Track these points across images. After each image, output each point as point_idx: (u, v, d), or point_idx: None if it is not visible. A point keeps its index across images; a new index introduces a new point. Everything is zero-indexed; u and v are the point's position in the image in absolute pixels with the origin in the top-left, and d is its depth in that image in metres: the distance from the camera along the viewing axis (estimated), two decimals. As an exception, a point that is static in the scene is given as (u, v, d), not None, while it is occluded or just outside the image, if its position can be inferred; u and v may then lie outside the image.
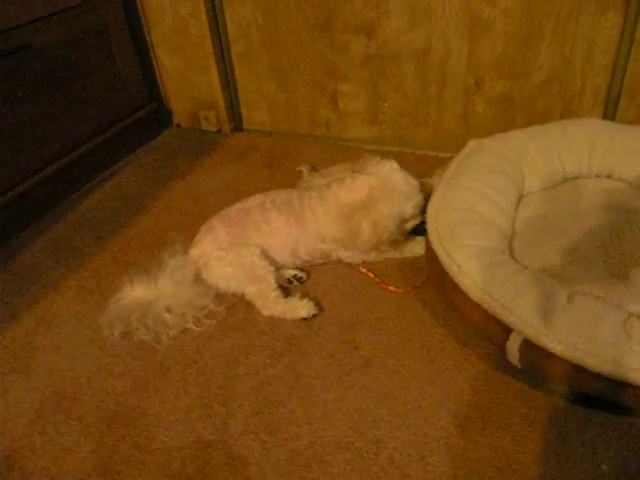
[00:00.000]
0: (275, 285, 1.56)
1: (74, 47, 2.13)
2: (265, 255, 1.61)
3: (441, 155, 2.27)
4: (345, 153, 2.37)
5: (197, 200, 2.13)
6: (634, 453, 1.13)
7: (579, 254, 1.43)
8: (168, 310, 1.54)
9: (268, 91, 2.47)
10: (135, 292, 1.58)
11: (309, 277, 1.67)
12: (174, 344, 1.51)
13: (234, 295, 1.62)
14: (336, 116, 2.40)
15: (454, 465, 1.14)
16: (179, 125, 2.72)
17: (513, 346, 1.18)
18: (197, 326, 1.53)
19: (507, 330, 1.18)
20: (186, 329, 1.54)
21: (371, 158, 1.75)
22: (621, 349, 1.08)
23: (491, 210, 1.44)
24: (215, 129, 2.61)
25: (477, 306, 1.23)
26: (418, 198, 1.58)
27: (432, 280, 1.48)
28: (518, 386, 1.28)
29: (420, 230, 1.60)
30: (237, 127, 2.63)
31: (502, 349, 1.22)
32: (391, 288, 1.58)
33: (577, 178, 1.72)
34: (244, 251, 1.59)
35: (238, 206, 1.71)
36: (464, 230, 1.35)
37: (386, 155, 2.28)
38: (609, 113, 1.98)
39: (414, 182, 1.60)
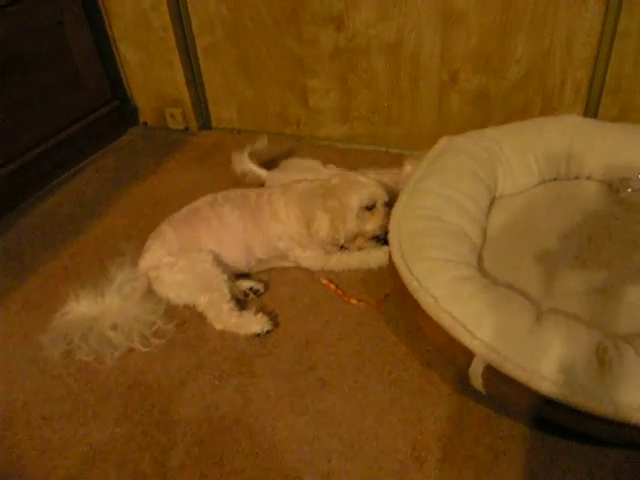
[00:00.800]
0: (229, 296, 1.44)
1: (24, 41, 2.00)
2: (218, 260, 1.50)
3: (416, 154, 2.14)
4: (317, 151, 2.25)
5: (156, 204, 2.01)
6: (607, 489, 1.03)
7: (554, 264, 1.32)
8: (114, 327, 1.43)
9: (236, 87, 2.34)
10: (80, 307, 1.47)
11: (267, 288, 1.56)
12: (118, 365, 1.39)
13: (186, 308, 1.51)
14: (307, 113, 2.28)
15: (410, 504, 1.04)
16: (146, 123, 2.60)
17: (476, 372, 1.07)
18: (144, 346, 1.42)
19: (470, 355, 1.07)
20: (132, 349, 1.42)
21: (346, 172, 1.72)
22: (592, 378, 0.97)
23: (459, 217, 1.32)
24: (182, 127, 2.49)
25: (438, 327, 1.12)
26: (379, 191, 1.51)
27: (394, 295, 1.36)
28: (484, 412, 1.17)
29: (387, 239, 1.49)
30: (205, 125, 2.51)
31: (465, 374, 1.11)
32: (353, 301, 1.47)
33: (555, 180, 1.61)
34: (196, 257, 1.48)
35: (188, 207, 1.61)
36: (428, 240, 1.24)
37: (360, 154, 2.21)
38: (591, 110, 1.87)
39: (379, 182, 1.52)
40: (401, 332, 1.37)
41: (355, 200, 1.47)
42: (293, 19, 2.06)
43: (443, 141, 1.54)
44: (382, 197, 1.50)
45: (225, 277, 1.46)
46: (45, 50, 2.09)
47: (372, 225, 1.51)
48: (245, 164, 1.91)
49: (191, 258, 1.48)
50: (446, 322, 1.09)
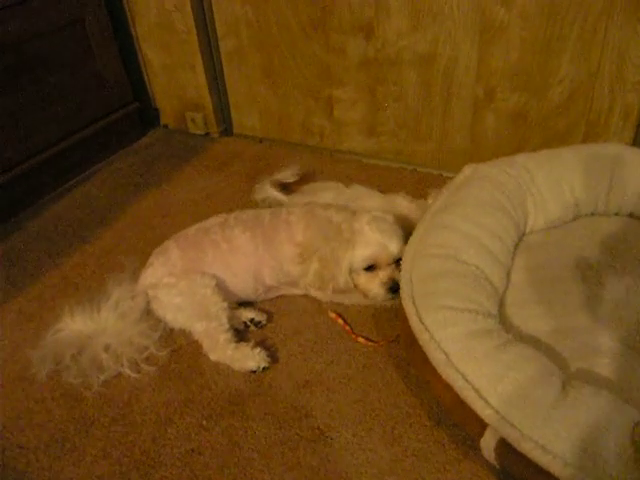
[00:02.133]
0: (227, 326, 1.34)
1: (44, 40, 1.93)
2: (222, 286, 1.40)
3: (445, 174, 2.01)
4: (339, 166, 2.13)
5: (166, 215, 1.92)
6: None
7: (586, 316, 1.17)
8: (106, 349, 1.35)
9: (259, 94, 2.24)
10: (74, 324, 1.40)
11: (270, 319, 1.44)
12: (104, 392, 1.31)
13: (183, 334, 1.41)
14: (331, 125, 2.15)
15: None
16: (166, 126, 2.52)
17: (488, 444, 0.93)
18: (133, 372, 1.33)
19: (482, 424, 0.93)
20: (121, 374, 1.33)
21: (371, 194, 1.64)
22: (624, 467, 0.82)
23: (480, 258, 1.18)
24: (202, 132, 2.40)
25: (449, 387, 0.98)
26: (384, 253, 1.33)
27: (403, 341, 1.23)
28: (496, 485, 1.03)
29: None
30: (227, 131, 2.41)
31: (477, 444, 0.97)
32: (361, 340, 1.34)
33: (592, 215, 1.45)
34: (198, 280, 1.38)
35: (198, 225, 1.51)
36: (443, 285, 1.10)
37: (385, 171, 2.08)
38: (641, 138, 1.69)
39: (386, 237, 1.34)
40: (411, 380, 1.24)
41: (347, 261, 1.32)
42: (320, 25, 1.94)
43: (467, 170, 1.40)
44: (387, 258, 1.33)
45: (225, 305, 1.35)
46: (64, 48, 2.02)
47: (372, 285, 1.35)
48: (265, 192, 1.81)
49: (192, 281, 1.38)
50: (457, 383, 0.95)
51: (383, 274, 1.33)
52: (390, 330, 1.37)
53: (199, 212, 1.87)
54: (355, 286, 1.36)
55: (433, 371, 1.02)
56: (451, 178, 1.45)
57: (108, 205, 2.01)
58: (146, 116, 2.46)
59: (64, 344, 1.36)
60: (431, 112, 1.93)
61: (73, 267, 1.72)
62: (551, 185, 1.39)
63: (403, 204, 1.57)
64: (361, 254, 1.32)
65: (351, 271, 1.34)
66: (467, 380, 0.94)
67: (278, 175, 1.88)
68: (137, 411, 1.25)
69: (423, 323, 1.04)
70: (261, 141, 2.35)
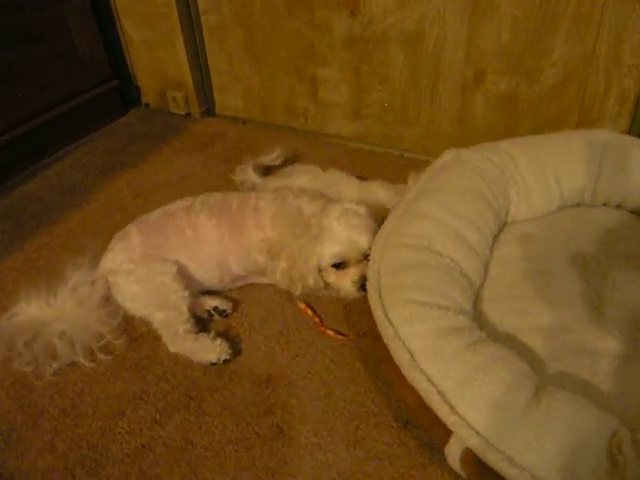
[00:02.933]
0: (187, 315, 1.26)
1: (14, 9, 1.84)
2: (184, 273, 1.32)
3: (432, 160, 1.91)
4: (325, 150, 2.04)
5: (139, 196, 1.84)
6: None
7: (568, 314, 1.09)
8: (61, 336, 1.27)
9: (242, 72, 2.14)
10: (30, 309, 1.32)
11: (236, 309, 1.36)
12: (57, 381, 1.23)
13: (143, 322, 1.33)
14: (316, 107, 2.06)
15: None
16: (147, 105, 2.43)
17: (454, 452, 0.86)
18: (88, 361, 1.25)
19: (448, 430, 0.85)
20: (76, 363, 1.25)
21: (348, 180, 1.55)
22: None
23: (456, 249, 1.10)
24: (183, 112, 2.31)
25: (412, 389, 0.90)
26: (353, 249, 1.23)
27: (369, 336, 1.15)
28: (462, 493, 0.96)
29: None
30: (209, 111, 2.32)
31: (441, 450, 0.90)
32: (330, 333, 1.26)
33: (578, 206, 1.36)
34: (157, 267, 1.30)
35: (162, 209, 1.42)
36: (412, 277, 1.02)
37: (371, 156, 1.99)
38: (638, 124, 1.60)
39: (356, 233, 1.23)
40: (379, 377, 1.16)
41: (315, 259, 1.23)
42: (305, 1, 1.84)
43: (447, 154, 1.31)
44: (357, 255, 1.23)
45: (186, 294, 1.27)
46: (36, 19, 1.93)
47: (343, 283, 1.25)
48: (246, 174, 1.73)
49: (151, 268, 1.29)
50: (421, 385, 0.88)
51: (354, 271, 1.23)
52: (362, 323, 1.29)
53: (173, 194, 1.76)
54: (325, 284, 1.28)
55: (397, 370, 0.94)
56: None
57: (80, 185, 1.93)
58: (127, 95, 2.38)
59: (18, 330, 1.28)
60: (418, 95, 1.84)
61: (38, 249, 1.64)
62: (536, 173, 1.30)
63: (380, 192, 1.49)
64: (330, 251, 1.22)
65: (320, 269, 1.25)
66: (432, 382, 0.87)
67: (261, 158, 1.80)
68: (89, 402, 1.18)
69: (388, 318, 0.96)
70: (244, 122, 2.26)
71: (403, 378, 0.92)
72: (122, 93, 2.32)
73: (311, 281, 1.23)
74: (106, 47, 2.20)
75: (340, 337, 1.25)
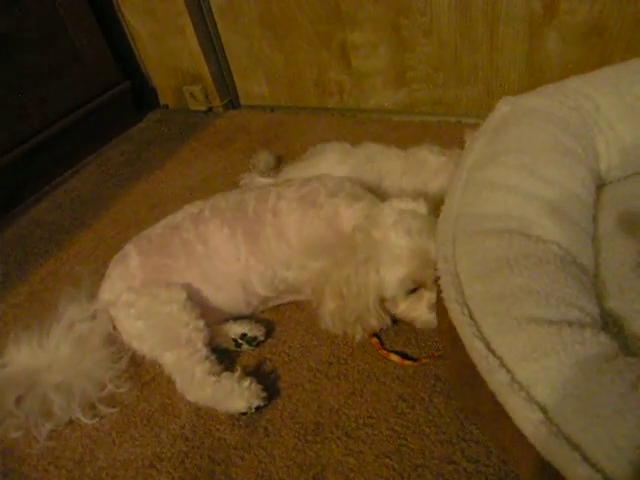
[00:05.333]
0: (204, 352, 0.97)
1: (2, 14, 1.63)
2: (198, 299, 1.04)
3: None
4: (365, 128, 1.72)
5: (156, 206, 1.58)
6: None
7: None
8: (57, 388, 1.01)
9: (262, 52, 1.85)
10: (20, 356, 1.07)
11: (270, 334, 1.06)
12: (53, 447, 0.98)
13: (157, 361, 1.05)
14: (351, 79, 1.74)
15: None
16: (167, 106, 2.18)
17: None
18: (88, 418, 0.99)
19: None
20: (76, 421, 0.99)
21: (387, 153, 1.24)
22: None
23: (560, 229, 0.74)
24: (204, 107, 2.04)
25: (532, 449, 0.57)
26: (427, 269, 0.88)
27: (450, 367, 0.80)
28: None
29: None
30: (232, 103, 2.04)
31: None
32: (394, 358, 0.94)
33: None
34: (161, 296, 1.02)
35: (166, 221, 1.14)
36: (517, 281, 0.66)
37: (422, 127, 1.65)
38: None
39: (424, 240, 0.89)
40: (469, 418, 0.83)
41: (373, 291, 0.90)
42: (323, -49, 1.53)
43: (504, 105, 0.96)
44: (430, 272, 0.86)
45: (200, 324, 0.98)
46: (28, 25, 1.70)
47: (419, 312, 0.93)
48: (251, 181, 1.45)
49: (155, 297, 1.01)
50: (552, 450, 0.54)
51: (429, 295, 0.90)
52: (435, 339, 0.96)
53: (193, 200, 1.51)
54: (395, 317, 0.96)
55: (505, 424, 0.60)
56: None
57: (91, 203, 1.70)
58: (143, 97, 2.14)
59: (6, 385, 1.03)
60: (473, 44, 1.49)
61: (43, 280, 1.42)
62: (625, 113, 0.93)
63: (430, 159, 1.15)
64: (394, 276, 0.90)
65: (384, 300, 0.93)
66: (573, 447, 0.53)
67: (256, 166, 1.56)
68: (89, 475, 0.91)
69: (492, 350, 0.62)
70: (272, 110, 1.97)
71: (518, 436, 0.58)
72: (136, 96, 2.09)
73: (373, 321, 0.91)
74: (112, 47, 1.97)
75: (408, 363, 0.93)
